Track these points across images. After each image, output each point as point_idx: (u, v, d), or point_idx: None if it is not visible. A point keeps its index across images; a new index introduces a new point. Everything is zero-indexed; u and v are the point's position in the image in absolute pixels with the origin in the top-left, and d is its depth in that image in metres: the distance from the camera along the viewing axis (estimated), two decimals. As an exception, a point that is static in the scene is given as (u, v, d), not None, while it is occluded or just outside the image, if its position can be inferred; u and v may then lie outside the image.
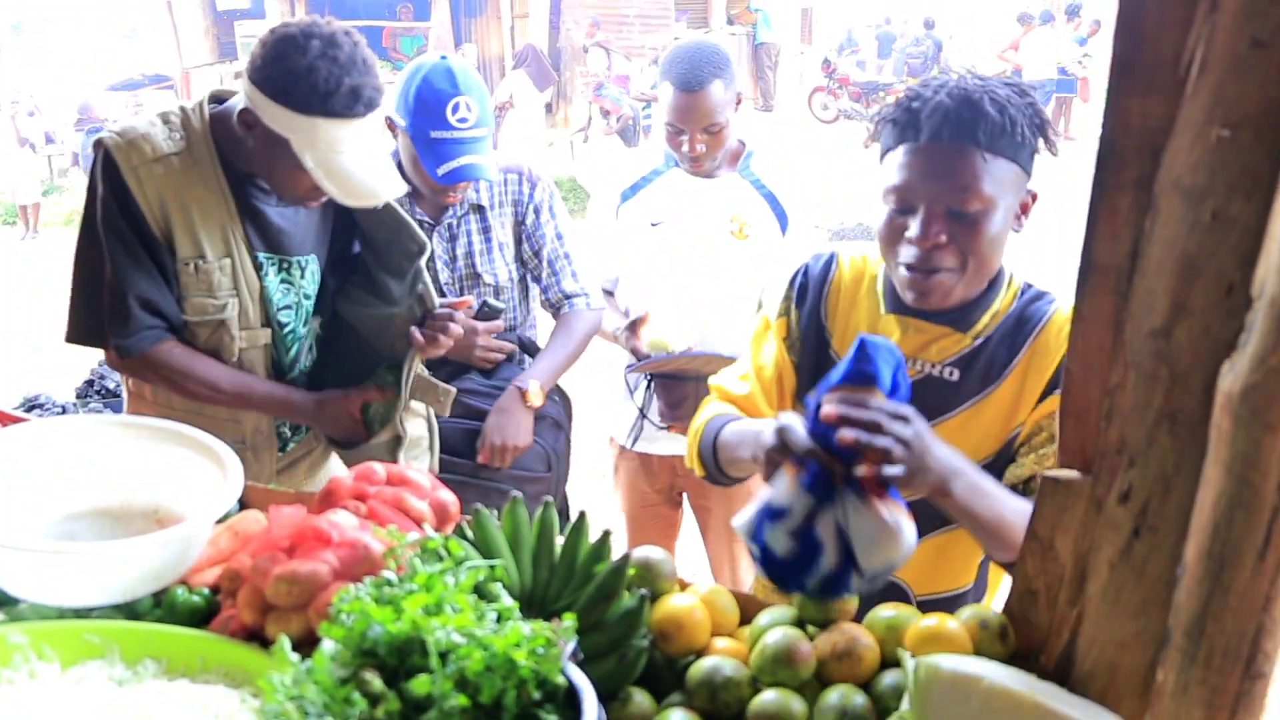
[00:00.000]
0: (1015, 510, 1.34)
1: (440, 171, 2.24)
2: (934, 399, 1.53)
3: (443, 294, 2.43)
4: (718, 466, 1.62)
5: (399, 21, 16.02)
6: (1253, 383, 0.90)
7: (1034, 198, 1.49)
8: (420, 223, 2.40)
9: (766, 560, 1.18)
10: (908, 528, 1.14)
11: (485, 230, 2.46)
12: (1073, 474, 1.11)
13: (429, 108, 2.23)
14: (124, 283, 1.92)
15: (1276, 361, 0.88)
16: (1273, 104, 0.89)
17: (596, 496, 3.09)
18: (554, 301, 2.53)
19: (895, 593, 1.58)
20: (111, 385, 3.48)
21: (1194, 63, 0.93)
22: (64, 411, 2.89)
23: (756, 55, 17.40)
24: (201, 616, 1.32)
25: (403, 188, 2.00)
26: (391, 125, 2.33)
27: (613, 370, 2.71)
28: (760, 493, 1.22)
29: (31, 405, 3.00)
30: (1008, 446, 1.51)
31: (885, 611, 1.23)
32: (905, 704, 1.07)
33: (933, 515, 1.37)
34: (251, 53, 1.88)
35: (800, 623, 1.24)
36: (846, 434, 1.13)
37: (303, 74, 1.79)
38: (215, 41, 15.63)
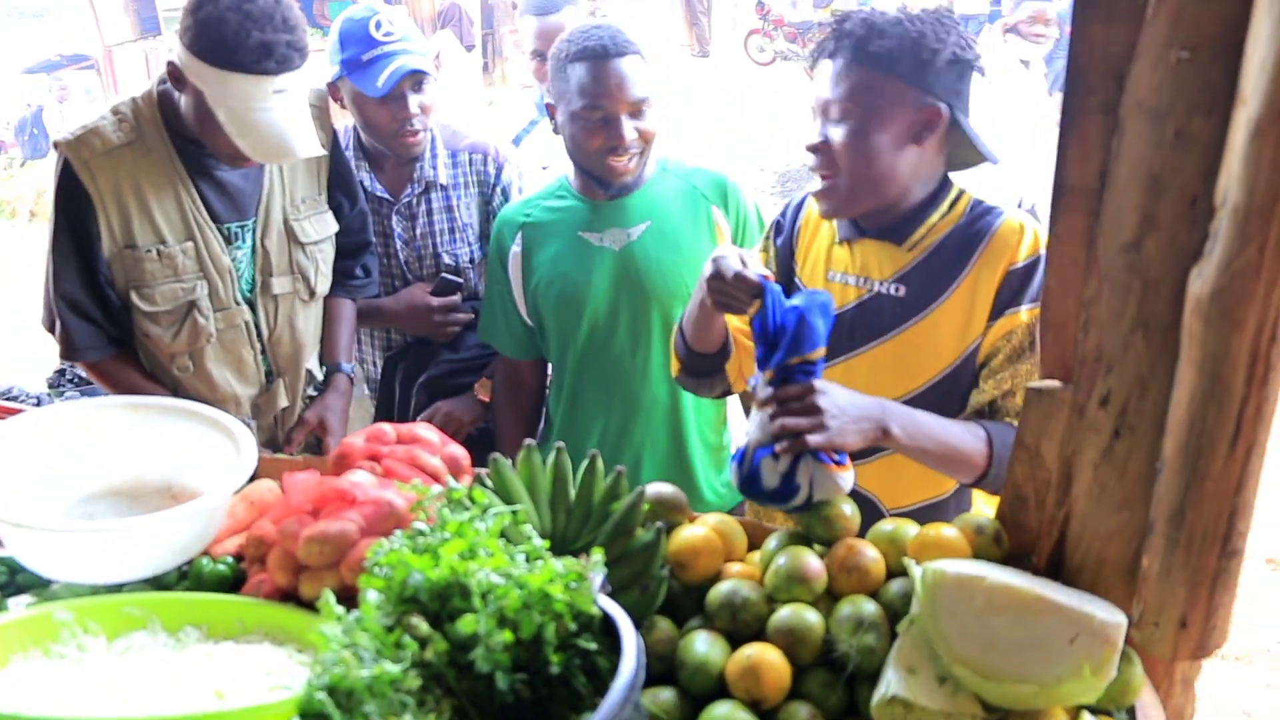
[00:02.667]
0: (958, 436, 1.48)
1: (379, 83, 2.22)
2: (884, 316, 1.63)
3: (403, 274, 2.47)
4: (687, 348, 1.73)
5: (328, -13, 15.60)
6: (1220, 285, 0.98)
7: (939, 114, 1.54)
8: (380, 200, 2.42)
9: (750, 481, 1.38)
10: (850, 479, 1.38)
11: (447, 209, 2.45)
12: (1054, 384, 1.19)
13: (353, 37, 2.26)
14: (60, 297, 1.97)
15: (1241, 264, 0.96)
16: (1229, 24, 0.96)
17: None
18: None
19: (868, 506, 1.67)
20: (84, 373, 3.41)
21: (1153, -10, 0.99)
22: (39, 403, 2.86)
23: (690, 1, 17.25)
24: (229, 584, 1.37)
25: (320, 148, 2.00)
26: (337, 94, 2.32)
27: None
28: (751, 429, 1.39)
29: (6, 398, 2.97)
30: (968, 360, 1.59)
31: (886, 526, 1.31)
32: (914, 608, 1.15)
33: None
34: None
35: (807, 541, 1.31)
36: (788, 423, 1.34)
37: (214, 26, 1.78)
38: (136, 17, 15.12)
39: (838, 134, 1.55)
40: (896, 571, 1.25)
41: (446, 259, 2.46)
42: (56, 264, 1.96)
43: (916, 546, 1.24)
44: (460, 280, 2.44)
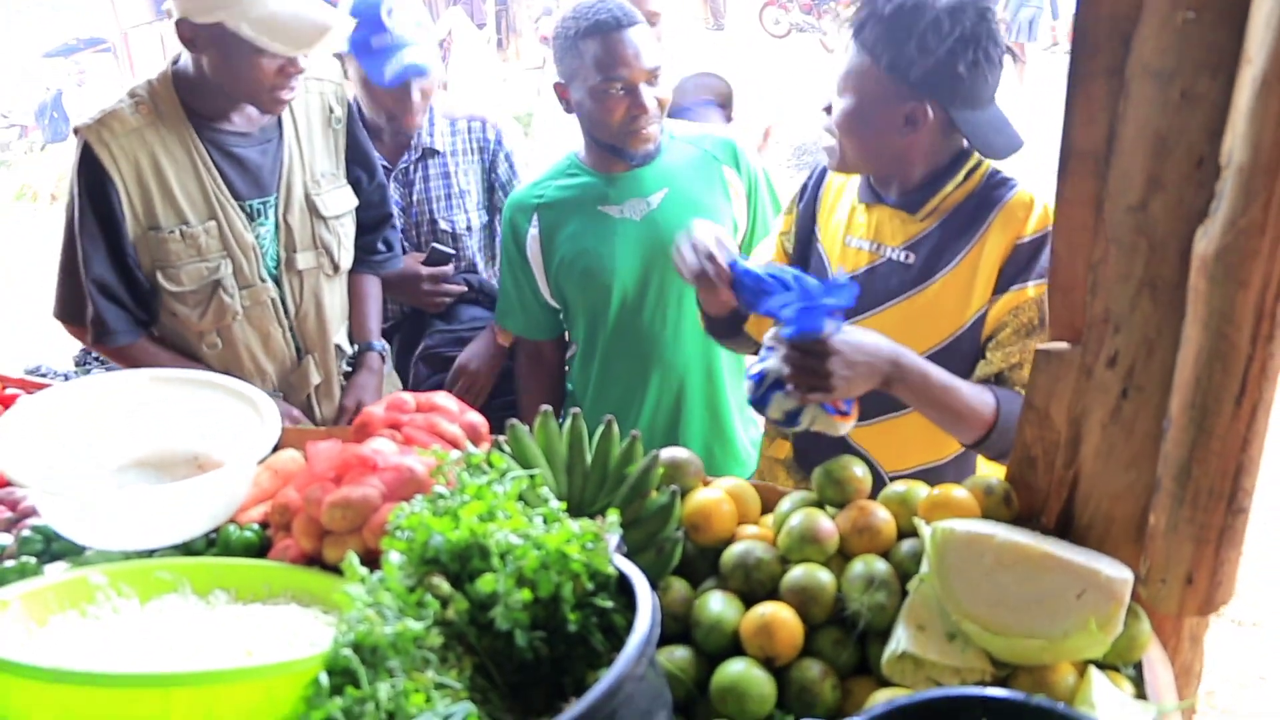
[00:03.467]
0: (965, 398, 1.48)
1: (387, 74, 2.26)
2: (891, 282, 1.65)
3: (400, 241, 2.48)
4: (703, 313, 1.80)
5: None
6: (1225, 244, 0.99)
7: (925, 113, 1.55)
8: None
9: (760, 405, 1.48)
10: (850, 426, 1.48)
11: (445, 176, 2.47)
12: (1063, 345, 1.21)
13: (364, 19, 2.27)
14: (91, 282, 1.98)
15: (1245, 223, 0.97)
16: (1233, -16, 0.96)
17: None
18: None
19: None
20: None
21: (1158, -49, 0.99)
22: (66, 379, 2.92)
23: (704, -27, 17.13)
24: (255, 550, 1.40)
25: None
26: (342, 66, 2.34)
27: None
28: (767, 357, 1.44)
29: (35, 375, 3.03)
30: (972, 330, 1.61)
31: (897, 487, 1.33)
32: (924, 566, 1.17)
33: (882, 401, 1.54)
34: None
35: (819, 503, 1.34)
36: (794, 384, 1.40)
37: None
38: (151, -1, 15.19)
39: (838, 106, 1.60)
40: (907, 532, 1.28)
41: (444, 226, 2.47)
42: (85, 249, 1.97)
43: (927, 507, 1.26)
44: (452, 251, 2.45)
